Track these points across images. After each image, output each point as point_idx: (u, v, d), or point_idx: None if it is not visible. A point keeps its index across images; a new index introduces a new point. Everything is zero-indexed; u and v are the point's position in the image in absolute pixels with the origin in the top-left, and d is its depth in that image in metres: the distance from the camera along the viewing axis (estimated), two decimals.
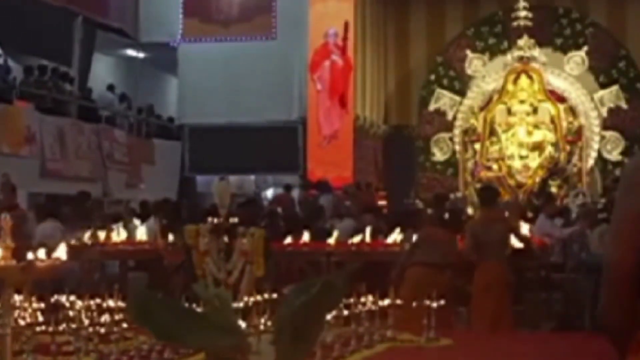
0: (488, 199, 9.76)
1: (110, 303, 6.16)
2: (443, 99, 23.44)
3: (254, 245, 7.20)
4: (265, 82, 21.11)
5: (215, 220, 7.28)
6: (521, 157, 21.75)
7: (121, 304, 5.96)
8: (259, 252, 7.19)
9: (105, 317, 5.67)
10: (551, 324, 10.09)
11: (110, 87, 21.67)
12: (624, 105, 22.60)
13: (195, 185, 22.79)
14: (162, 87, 24.97)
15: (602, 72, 22.85)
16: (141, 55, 23.09)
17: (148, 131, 21.67)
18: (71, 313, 5.60)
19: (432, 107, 23.54)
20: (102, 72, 22.84)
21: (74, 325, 5.21)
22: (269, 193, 23.78)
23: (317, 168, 20.84)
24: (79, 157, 17.57)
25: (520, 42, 21.84)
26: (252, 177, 23.74)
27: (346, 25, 20.90)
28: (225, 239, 7.38)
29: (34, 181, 16.35)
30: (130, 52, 23.22)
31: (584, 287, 10.29)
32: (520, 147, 21.79)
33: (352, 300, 6.02)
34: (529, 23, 21.97)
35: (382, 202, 20.21)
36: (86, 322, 5.31)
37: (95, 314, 5.85)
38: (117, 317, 5.70)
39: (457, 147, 22.79)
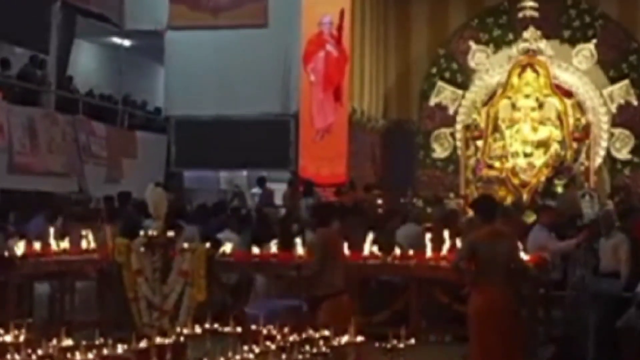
0: (488, 212, 8.04)
1: (8, 338, 5.11)
2: (444, 93, 22.91)
3: (194, 264, 6.10)
4: (256, 73, 20.17)
5: (150, 233, 6.22)
6: (525, 155, 21.13)
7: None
8: (200, 272, 6.07)
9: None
10: (550, 349, 8.93)
11: None
12: (634, 102, 21.95)
13: (183, 181, 21.84)
14: (149, 77, 23.97)
15: (611, 66, 22.22)
16: (126, 43, 22.10)
17: (131, 123, 20.62)
18: None
19: (433, 101, 23.02)
20: (85, 60, 21.87)
21: None
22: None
23: (309, 164, 19.97)
24: (51, 151, 16.46)
25: (526, 33, 21.34)
26: (244, 172, 22.73)
27: (342, 13, 19.89)
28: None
29: (1, 177, 15.28)
30: (115, 40, 22.21)
31: (586, 307, 9.08)
32: (524, 144, 21.18)
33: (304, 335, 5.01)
34: (536, 14, 21.47)
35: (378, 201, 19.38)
36: None
37: None
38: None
39: (459, 144, 22.20)
